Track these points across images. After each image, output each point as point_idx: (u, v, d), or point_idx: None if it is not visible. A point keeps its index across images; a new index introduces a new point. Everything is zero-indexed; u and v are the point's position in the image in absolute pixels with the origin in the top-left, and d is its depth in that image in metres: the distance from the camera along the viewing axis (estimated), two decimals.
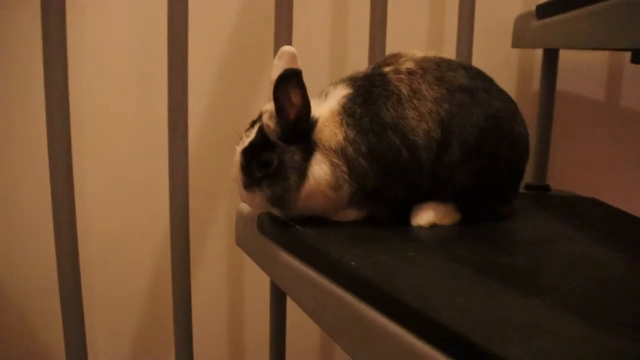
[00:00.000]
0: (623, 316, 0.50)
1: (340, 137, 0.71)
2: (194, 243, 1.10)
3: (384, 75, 0.74)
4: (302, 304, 0.71)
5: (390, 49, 0.96)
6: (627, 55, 1.09)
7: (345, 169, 0.71)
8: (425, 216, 0.76)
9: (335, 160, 0.71)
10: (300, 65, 0.73)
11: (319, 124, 0.72)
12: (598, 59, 1.23)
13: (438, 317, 0.47)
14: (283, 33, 0.90)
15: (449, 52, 1.08)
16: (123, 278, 1.13)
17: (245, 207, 0.86)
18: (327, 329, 0.64)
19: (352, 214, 0.76)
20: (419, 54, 0.78)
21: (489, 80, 0.78)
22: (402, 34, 1.12)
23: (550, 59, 1.09)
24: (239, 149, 0.72)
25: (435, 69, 0.74)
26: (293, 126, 0.71)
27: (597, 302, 0.53)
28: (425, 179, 0.74)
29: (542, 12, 0.96)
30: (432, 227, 0.75)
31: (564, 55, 1.12)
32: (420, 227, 0.75)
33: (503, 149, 0.75)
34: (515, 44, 1.06)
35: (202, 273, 1.17)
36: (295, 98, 0.69)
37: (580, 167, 1.25)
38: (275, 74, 0.71)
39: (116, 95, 1.07)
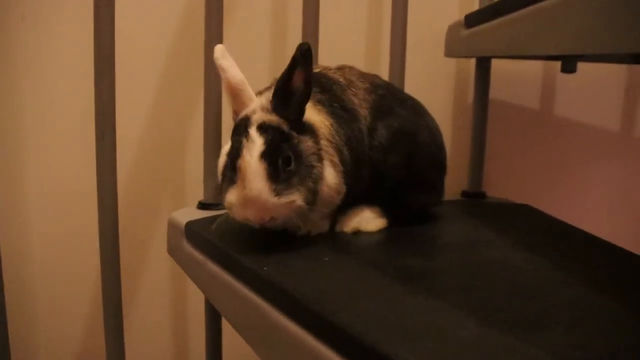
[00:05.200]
0: (519, 316, 0.51)
1: (328, 123, 0.71)
2: (133, 251, 1.09)
3: (318, 73, 0.78)
4: (223, 311, 0.71)
5: (323, 60, 0.97)
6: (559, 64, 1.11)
7: (340, 165, 0.70)
8: (349, 222, 0.76)
9: (334, 159, 0.70)
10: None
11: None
12: (532, 69, 1.26)
13: (334, 319, 0.48)
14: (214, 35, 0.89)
15: (384, 63, 1.09)
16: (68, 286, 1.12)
17: (177, 217, 0.86)
18: (243, 333, 0.64)
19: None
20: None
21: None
22: (335, 47, 1.13)
23: (483, 67, 1.11)
24: (253, 155, 0.61)
25: (355, 70, 0.82)
26: (300, 111, 0.67)
27: (498, 303, 0.54)
28: (367, 170, 0.75)
29: (470, 21, 0.98)
30: (357, 233, 0.76)
31: (499, 65, 1.15)
32: (344, 233, 0.76)
33: (423, 135, 0.79)
34: (448, 54, 1.08)
35: (145, 281, 1.16)
36: (306, 75, 0.64)
37: (516, 174, 1.28)
38: (232, 71, 0.67)
39: (61, 103, 1.06)
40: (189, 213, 0.88)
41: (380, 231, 0.77)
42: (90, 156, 0.89)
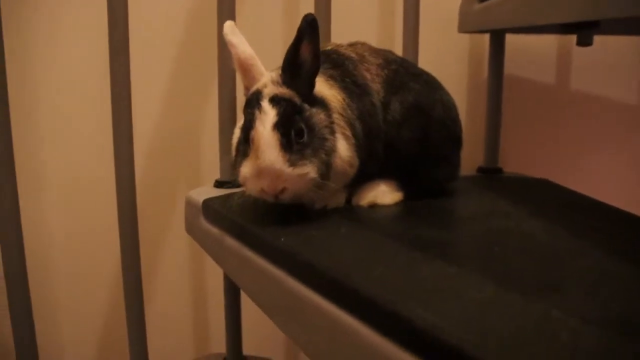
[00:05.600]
0: (537, 280, 0.51)
1: (340, 98, 0.71)
2: (149, 235, 1.10)
3: (330, 50, 0.78)
4: (243, 286, 0.72)
5: (336, 38, 0.96)
6: (575, 38, 1.10)
7: (353, 139, 0.70)
8: (365, 196, 0.76)
9: (346, 132, 0.69)
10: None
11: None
12: (547, 43, 1.24)
13: (350, 283, 0.48)
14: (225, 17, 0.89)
15: (398, 40, 1.08)
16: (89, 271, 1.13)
17: (194, 196, 0.86)
18: (262, 306, 0.65)
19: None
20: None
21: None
22: (348, 24, 1.12)
23: (497, 42, 1.10)
24: (266, 126, 0.61)
25: (368, 46, 0.81)
26: (310, 84, 0.66)
27: (516, 269, 0.54)
28: (381, 144, 0.75)
29: None
30: (373, 206, 0.76)
31: (513, 40, 1.14)
32: (360, 207, 0.75)
33: (437, 109, 0.78)
34: (461, 29, 1.07)
35: (164, 259, 1.17)
36: (314, 47, 0.64)
37: (532, 150, 1.27)
38: (242, 46, 0.67)
39: (76, 90, 1.07)
40: (206, 191, 0.88)
41: (396, 205, 0.77)
42: (108, 142, 0.90)
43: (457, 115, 0.84)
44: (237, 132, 0.70)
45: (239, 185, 0.69)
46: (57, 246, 1.12)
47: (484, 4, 0.96)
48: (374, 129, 0.74)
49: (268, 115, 0.62)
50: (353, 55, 0.78)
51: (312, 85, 0.67)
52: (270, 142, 0.61)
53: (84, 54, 1.06)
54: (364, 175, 0.76)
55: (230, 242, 0.71)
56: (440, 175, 0.83)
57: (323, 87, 0.70)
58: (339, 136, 0.68)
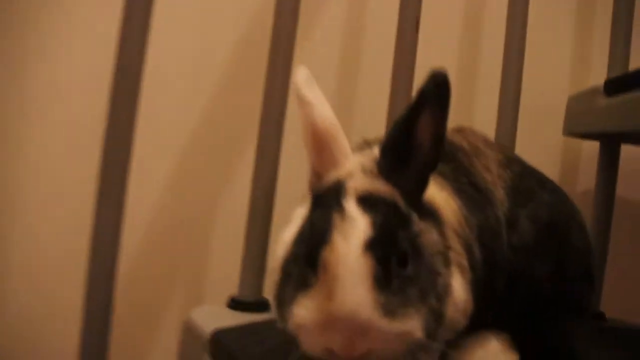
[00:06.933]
0: None
1: (455, 206, 0.49)
2: None
3: None
4: None
5: None
6: None
7: (465, 259, 0.48)
8: (471, 357, 0.52)
9: (462, 261, 0.48)
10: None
11: None
12: None
13: None
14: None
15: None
16: None
17: (198, 319, 0.63)
18: None
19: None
20: None
21: None
22: None
23: (611, 151, 0.91)
24: (353, 244, 0.40)
25: (479, 135, 0.63)
26: (423, 181, 0.46)
27: None
28: (504, 280, 0.54)
29: (612, 87, 0.77)
30: None
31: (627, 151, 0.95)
32: None
33: (574, 233, 0.60)
34: (569, 130, 0.89)
35: None
36: (439, 124, 0.44)
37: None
38: (321, 108, 0.47)
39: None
40: (216, 314, 0.65)
41: None
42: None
43: (590, 242, 0.64)
44: (286, 239, 0.47)
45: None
46: None
47: (614, 98, 0.75)
48: (497, 254, 0.53)
49: (357, 224, 0.41)
50: (465, 144, 0.59)
51: (426, 183, 0.46)
52: (359, 272, 0.39)
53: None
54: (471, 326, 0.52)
55: None
56: (568, 328, 0.60)
57: (432, 187, 0.49)
58: (454, 269, 0.47)
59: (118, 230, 0.64)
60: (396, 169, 0.45)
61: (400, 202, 0.44)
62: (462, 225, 0.49)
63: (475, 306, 0.49)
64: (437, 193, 0.49)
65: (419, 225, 0.44)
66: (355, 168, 0.46)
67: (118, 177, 0.63)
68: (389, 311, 0.39)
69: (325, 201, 0.44)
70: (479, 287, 0.49)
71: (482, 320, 0.52)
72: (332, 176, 0.46)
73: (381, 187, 0.44)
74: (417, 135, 0.44)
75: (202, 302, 0.94)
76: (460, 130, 0.61)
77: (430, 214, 0.46)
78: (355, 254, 0.40)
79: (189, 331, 0.63)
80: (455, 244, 0.48)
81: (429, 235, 0.44)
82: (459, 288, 0.46)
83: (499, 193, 0.56)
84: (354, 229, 0.41)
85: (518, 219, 0.55)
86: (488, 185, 0.55)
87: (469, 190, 0.53)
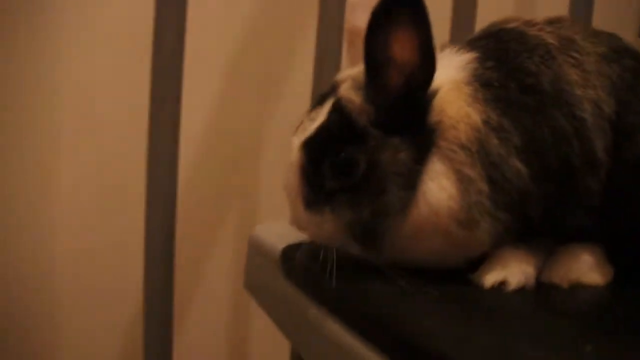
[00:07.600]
0: None
1: (476, 120, 0.45)
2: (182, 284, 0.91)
3: (513, 29, 0.52)
4: None
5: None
6: None
7: (484, 185, 0.45)
8: (564, 270, 0.49)
9: (467, 170, 0.45)
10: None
11: (437, 101, 0.46)
12: None
13: None
14: None
15: None
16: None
17: (264, 235, 0.62)
18: None
19: (496, 272, 0.47)
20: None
21: None
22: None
23: None
24: (298, 140, 0.48)
25: (579, 26, 0.54)
26: (399, 100, 0.45)
27: None
28: (597, 182, 0.48)
29: None
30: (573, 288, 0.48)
31: None
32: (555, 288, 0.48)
33: None
34: None
35: (195, 322, 0.98)
36: (410, 45, 0.43)
37: None
38: (361, 16, 0.46)
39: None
40: (283, 230, 0.61)
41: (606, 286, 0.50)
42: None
43: None
44: None
45: None
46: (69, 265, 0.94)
47: None
48: (579, 158, 0.47)
49: (307, 127, 0.48)
50: (551, 39, 0.51)
51: (408, 106, 0.45)
52: (294, 163, 0.48)
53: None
54: (558, 234, 0.50)
55: (333, 326, 0.45)
56: None
57: (455, 102, 0.46)
58: (444, 181, 0.46)
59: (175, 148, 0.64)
60: (377, 85, 0.45)
61: (363, 116, 0.45)
62: (479, 140, 0.45)
63: (511, 218, 0.46)
64: (455, 108, 0.46)
65: (382, 142, 0.45)
66: (351, 75, 0.48)
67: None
68: (310, 204, 0.46)
69: (321, 96, 0.50)
70: (514, 201, 0.46)
71: (567, 232, 0.49)
72: (337, 76, 0.50)
73: (354, 98, 0.46)
74: (392, 51, 0.43)
75: (262, 210, 0.97)
76: (554, 21, 0.54)
77: (418, 135, 0.45)
78: (294, 154, 0.47)
79: (255, 247, 0.61)
80: (461, 155, 0.45)
81: (393, 155, 0.45)
82: (438, 190, 0.45)
83: (594, 93, 0.49)
84: (303, 133, 0.47)
85: (635, 130, 0.49)
86: (563, 85, 0.48)
87: (518, 96, 0.47)
